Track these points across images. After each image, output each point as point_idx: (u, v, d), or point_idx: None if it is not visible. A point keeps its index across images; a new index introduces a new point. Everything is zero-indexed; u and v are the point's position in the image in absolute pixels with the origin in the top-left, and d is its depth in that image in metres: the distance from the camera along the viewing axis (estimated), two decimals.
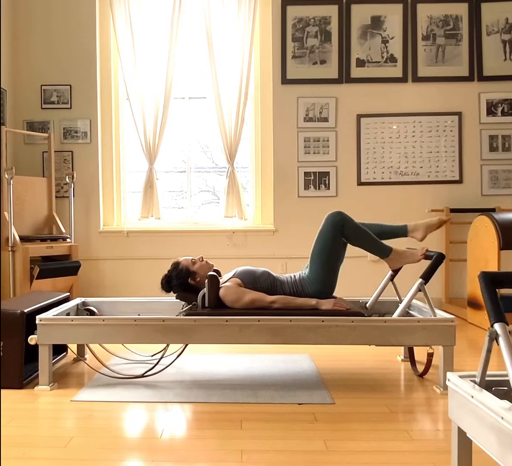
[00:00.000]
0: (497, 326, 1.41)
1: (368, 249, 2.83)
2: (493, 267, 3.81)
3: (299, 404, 2.39)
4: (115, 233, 4.94)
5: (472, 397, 1.41)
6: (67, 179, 4.79)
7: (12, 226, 4.16)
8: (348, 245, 2.86)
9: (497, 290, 1.47)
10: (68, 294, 3.23)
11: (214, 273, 2.77)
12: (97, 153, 4.93)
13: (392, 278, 3.03)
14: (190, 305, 2.76)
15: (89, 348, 2.90)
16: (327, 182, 4.88)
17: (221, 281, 2.81)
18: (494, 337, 1.41)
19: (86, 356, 3.16)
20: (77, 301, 3.10)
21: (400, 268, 2.92)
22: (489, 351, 1.42)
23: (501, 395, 1.48)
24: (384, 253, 2.81)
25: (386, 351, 3.29)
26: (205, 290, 2.73)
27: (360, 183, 4.89)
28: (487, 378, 1.49)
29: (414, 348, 2.98)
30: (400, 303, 2.81)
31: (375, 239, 2.81)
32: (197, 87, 5.08)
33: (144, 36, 4.83)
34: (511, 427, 1.23)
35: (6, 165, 4.38)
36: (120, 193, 5.08)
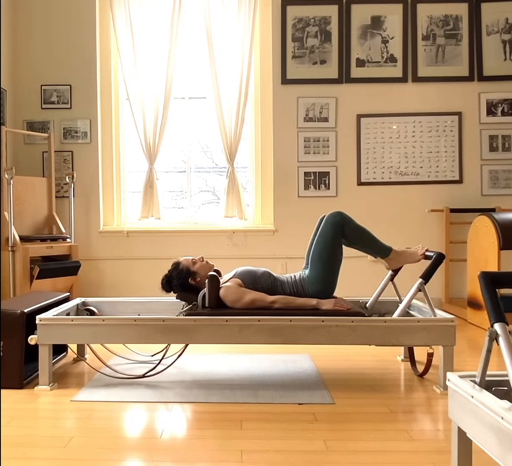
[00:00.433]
0: (497, 326, 1.41)
1: (368, 249, 2.83)
2: (493, 267, 3.81)
3: (299, 404, 2.39)
4: (115, 232, 4.94)
5: (472, 397, 1.41)
6: (67, 179, 4.79)
7: (12, 226, 4.16)
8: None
9: (497, 290, 1.47)
10: (68, 294, 3.23)
11: (215, 273, 2.77)
12: (97, 153, 4.93)
13: (392, 278, 3.03)
14: (191, 305, 2.76)
15: (90, 347, 2.90)
16: (327, 182, 4.88)
17: (221, 281, 2.81)
18: (494, 337, 1.41)
19: (86, 356, 3.16)
20: (77, 301, 3.10)
21: (400, 268, 2.92)
22: (489, 351, 1.42)
23: (501, 395, 1.48)
24: (384, 252, 2.81)
25: (386, 351, 3.29)
26: (205, 290, 2.73)
27: (360, 183, 4.89)
28: (487, 378, 1.49)
29: (414, 348, 2.98)
30: (400, 303, 2.81)
31: (375, 239, 2.81)
32: (197, 87, 5.08)
33: (144, 36, 4.83)
34: (511, 427, 1.23)
35: (6, 165, 4.38)
36: (120, 193, 5.08)
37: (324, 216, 2.86)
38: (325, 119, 4.88)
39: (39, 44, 4.90)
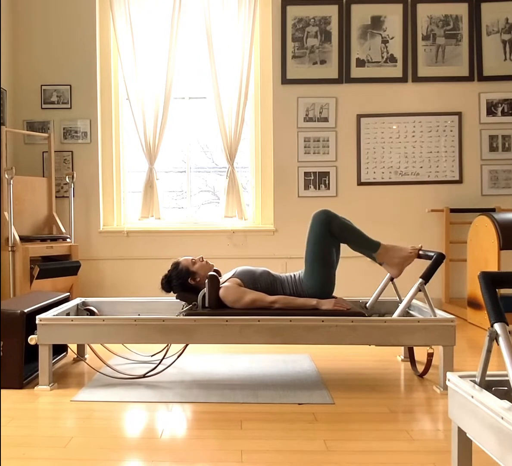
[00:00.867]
0: (497, 326, 1.41)
1: (355, 245, 2.81)
2: (493, 267, 3.81)
3: (299, 404, 2.39)
4: (115, 232, 4.94)
5: (472, 397, 1.41)
6: (67, 179, 4.79)
7: (12, 226, 4.16)
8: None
9: (497, 290, 1.47)
10: (68, 294, 3.23)
11: (214, 273, 2.77)
12: (97, 153, 4.93)
13: (392, 278, 3.03)
14: (190, 305, 2.76)
15: (90, 347, 2.90)
16: (327, 182, 4.88)
17: (221, 280, 2.81)
18: (494, 337, 1.41)
19: (86, 356, 3.16)
20: (77, 301, 3.10)
21: (400, 272, 2.88)
22: (489, 351, 1.42)
23: (501, 395, 1.48)
24: (373, 247, 2.79)
25: (386, 351, 3.29)
26: (205, 290, 2.73)
27: (360, 183, 4.89)
28: (487, 378, 1.49)
29: (414, 348, 2.98)
30: (400, 303, 2.81)
31: (362, 234, 2.80)
32: (197, 87, 5.08)
33: (144, 36, 4.83)
34: (511, 427, 1.23)
35: (6, 165, 4.38)
36: (120, 193, 5.08)
37: None
38: (325, 119, 4.88)
39: (39, 44, 4.90)
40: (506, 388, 1.50)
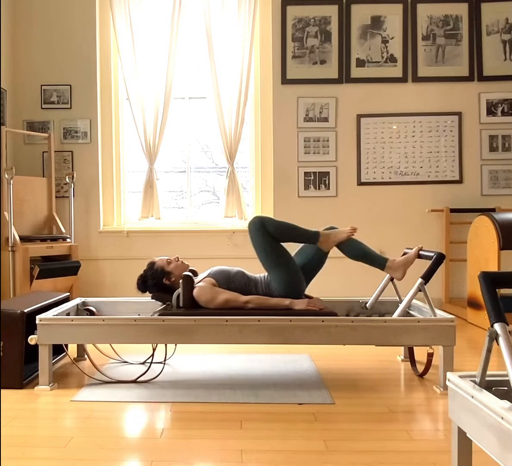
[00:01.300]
0: (497, 326, 1.41)
1: (298, 240, 2.84)
2: (493, 267, 3.81)
3: (299, 404, 2.39)
4: (115, 232, 4.94)
5: (472, 397, 1.41)
6: (67, 179, 4.79)
7: (12, 226, 4.16)
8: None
9: (497, 290, 1.47)
10: (68, 294, 3.23)
11: (189, 273, 2.77)
12: (97, 153, 4.93)
13: (392, 278, 3.03)
14: (164, 305, 2.77)
15: (86, 352, 2.91)
16: (327, 182, 4.88)
17: (196, 280, 2.82)
18: (494, 337, 1.41)
19: (85, 356, 3.16)
20: (77, 301, 3.10)
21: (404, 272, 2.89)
22: (489, 351, 1.42)
23: (501, 395, 1.48)
24: (314, 238, 2.83)
25: (386, 351, 3.29)
26: (180, 290, 2.74)
27: (360, 183, 4.89)
28: (487, 378, 1.49)
29: (414, 348, 2.98)
30: (400, 303, 2.81)
31: (300, 229, 2.82)
32: (197, 87, 5.08)
33: (144, 36, 4.83)
34: (511, 427, 1.22)
35: (6, 165, 4.38)
36: (120, 193, 5.08)
37: None
38: (325, 119, 4.88)
39: (39, 44, 4.90)
40: (506, 388, 1.50)
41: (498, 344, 1.40)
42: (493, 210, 4.72)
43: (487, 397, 1.36)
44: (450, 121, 4.87)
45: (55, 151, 4.85)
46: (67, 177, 4.79)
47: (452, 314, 4.25)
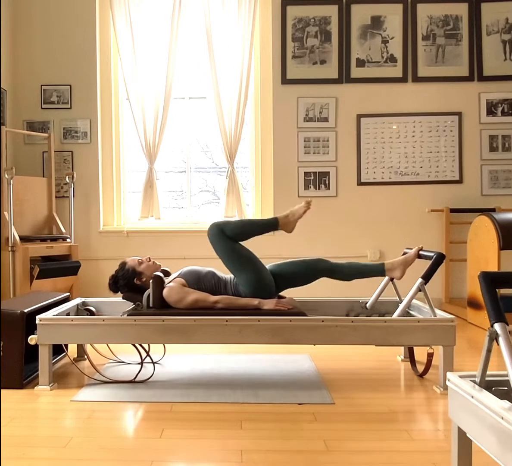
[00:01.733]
0: (497, 326, 1.41)
1: (260, 232, 2.82)
2: (493, 267, 3.81)
3: (299, 404, 2.39)
4: (115, 232, 4.94)
5: (472, 397, 1.41)
6: (67, 179, 4.79)
7: (12, 226, 4.16)
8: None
9: (497, 290, 1.47)
10: (68, 294, 3.23)
11: (159, 273, 2.78)
12: (97, 153, 4.93)
13: (392, 278, 3.03)
14: (134, 305, 2.77)
15: (86, 352, 2.91)
16: (327, 182, 4.88)
17: (166, 281, 2.82)
18: (494, 337, 1.41)
19: (85, 357, 3.16)
20: (77, 301, 3.10)
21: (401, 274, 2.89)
22: (489, 351, 1.42)
23: (501, 395, 1.48)
24: (273, 226, 2.83)
25: (386, 351, 3.29)
26: (150, 290, 2.74)
27: (360, 183, 4.89)
28: (487, 378, 1.49)
29: (414, 348, 2.98)
30: (400, 303, 2.81)
31: (257, 221, 2.83)
32: (197, 87, 5.08)
33: (144, 36, 4.83)
34: (511, 427, 1.22)
35: (6, 165, 4.38)
36: (120, 193, 5.08)
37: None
38: (325, 119, 4.88)
39: (39, 44, 4.90)
40: (506, 388, 1.50)
41: (498, 344, 1.40)
42: (493, 210, 4.73)
43: (487, 397, 1.36)
44: (450, 121, 4.87)
45: (55, 151, 4.85)
46: (67, 177, 4.79)
47: (452, 314, 4.25)
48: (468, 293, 4.19)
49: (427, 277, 2.70)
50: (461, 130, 4.86)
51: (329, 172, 4.88)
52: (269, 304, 2.72)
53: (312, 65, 4.86)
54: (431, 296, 2.84)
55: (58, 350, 3.01)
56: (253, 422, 2.19)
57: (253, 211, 5.02)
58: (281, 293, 2.94)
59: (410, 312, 2.96)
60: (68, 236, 4.61)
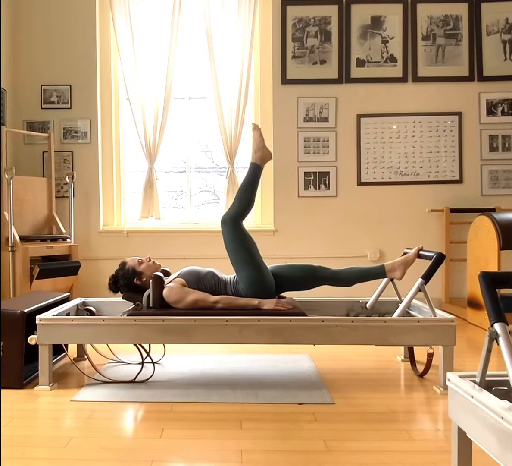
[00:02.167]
0: (497, 326, 1.41)
1: (254, 191, 2.87)
2: (493, 267, 3.81)
3: (299, 404, 2.39)
4: (115, 232, 4.94)
5: (472, 397, 1.41)
6: (67, 179, 4.79)
7: (12, 226, 4.16)
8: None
9: (497, 290, 1.47)
10: (68, 294, 3.23)
11: (159, 273, 2.78)
12: (97, 153, 4.93)
13: (392, 278, 3.02)
14: (134, 305, 2.77)
15: (85, 352, 2.91)
16: (327, 182, 4.88)
17: (166, 281, 2.82)
18: (494, 337, 1.41)
19: (85, 357, 3.16)
20: (77, 301, 3.10)
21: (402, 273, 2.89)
22: (489, 351, 1.42)
23: (501, 395, 1.48)
24: (257, 169, 2.89)
25: (386, 351, 3.29)
26: (150, 290, 2.74)
27: (360, 183, 4.89)
28: (487, 378, 1.49)
29: (414, 348, 2.99)
30: (400, 303, 2.81)
31: (243, 184, 2.87)
32: (197, 87, 5.08)
33: (144, 36, 4.83)
34: (511, 427, 1.23)
35: (6, 165, 4.38)
36: (120, 193, 5.08)
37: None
38: (325, 119, 4.88)
39: (39, 44, 4.90)
40: (506, 388, 1.50)
41: (498, 344, 1.40)
42: (493, 210, 4.72)
43: (487, 397, 1.36)
44: (450, 121, 4.87)
45: (55, 151, 4.85)
46: (67, 177, 4.79)
47: (452, 314, 4.25)
48: (468, 293, 4.19)
49: (427, 277, 2.70)
50: (461, 130, 4.86)
51: (329, 172, 4.88)
52: (269, 304, 2.72)
53: (312, 65, 4.86)
54: (431, 296, 2.84)
55: (58, 350, 3.01)
56: (253, 422, 2.19)
57: (253, 211, 5.02)
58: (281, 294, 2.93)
59: (410, 312, 2.96)
60: (68, 236, 4.61)
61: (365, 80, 4.86)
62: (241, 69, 4.79)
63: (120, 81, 4.98)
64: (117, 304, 3.13)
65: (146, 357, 2.94)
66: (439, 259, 2.71)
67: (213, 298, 2.72)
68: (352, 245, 4.90)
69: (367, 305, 3.08)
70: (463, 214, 4.80)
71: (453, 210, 4.77)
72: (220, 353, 3.26)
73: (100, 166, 4.95)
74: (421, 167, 4.88)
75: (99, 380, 2.71)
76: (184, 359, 3.11)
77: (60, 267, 4.34)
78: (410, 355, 2.94)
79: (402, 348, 3.15)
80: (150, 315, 2.63)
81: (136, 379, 2.72)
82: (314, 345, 2.56)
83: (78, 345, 3.15)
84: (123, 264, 2.90)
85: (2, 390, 2.57)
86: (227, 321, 2.56)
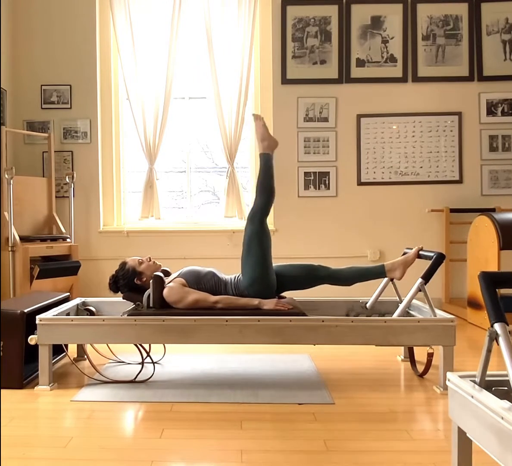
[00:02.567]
0: (497, 326, 1.41)
1: (272, 178, 2.88)
2: (493, 267, 3.81)
3: (299, 404, 2.39)
4: (115, 233, 4.94)
5: (472, 397, 1.41)
6: (67, 179, 4.79)
7: (12, 226, 4.16)
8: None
9: (497, 290, 1.47)
10: (68, 294, 3.23)
11: (160, 273, 2.78)
12: (97, 153, 4.93)
13: (392, 278, 3.02)
14: (134, 305, 2.77)
15: (85, 352, 2.91)
16: (327, 182, 4.88)
17: (167, 281, 2.82)
18: (494, 337, 1.41)
19: (85, 357, 3.16)
20: (77, 301, 3.10)
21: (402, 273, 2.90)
22: (489, 351, 1.42)
23: (501, 395, 1.48)
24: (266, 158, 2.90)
25: (386, 351, 3.29)
26: (150, 290, 2.74)
27: (360, 183, 4.89)
28: (487, 378, 1.49)
29: (414, 348, 2.98)
30: (400, 303, 2.81)
31: (260, 176, 2.87)
32: (197, 87, 5.08)
33: (144, 36, 4.83)
34: (511, 427, 1.22)
35: (6, 165, 4.37)
36: (120, 193, 5.08)
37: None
38: (325, 119, 4.88)
39: (39, 44, 4.90)
40: (506, 388, 1.50)
41: (498, 344, 1.40)
42: (493, 210, 4.72)
43: (487, 397, 1.36)
44: (450, 121, 4.87)
45: (55, 151, 4.85)
46: (67, 177, 4.79)
47: (452, 314, 4.25)
48: (468, 293, 4.19)
49: (427, 277, 2.70)
50: (461, 130, 4.86)
51: (329, 172, 4.88)
52: (269, 304, 2.72)
53: (312, 65, 4.86)
54: (431, 296, 2.84)
55: (58, 350, 3.01)
56: (253, 422, 2.19)
57: None
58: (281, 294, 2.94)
59: (410, 312, 2.96)
60: (68, 236, 4.60)
61: (365, 80, 4.86)
62: (241, 69, 4.79)
63: (120, 81, 4.98)
64: (117, 304, 3.13)
65: (146, 357, 2.94)
66: (439, 259, 2.71)
67: (214, 298, 2.72)
68: (352, 245, 4.90)
69: (367, 305, 3.08)
70: (463, 214, 4.80)
71: (453, 210, 4.77)
72: (220, 353, 3.26)
73: (100, 166, 4.95)
74: (421, 167, 4.88)
75: (99, 380, 2.71)
76: (184, 359, 3.11)
77: (60, 267, 4.34)
78: (410, 355, 2.94)
79: (402, 348, 3.15)
80: (150, 315, 2.63)
81: (136, 379, 2.72)
82: (315, 345, 2.56)
83: (78, 345, 3.15)
84: (123, 264, 2.90)
85: (2, 390, 2.57)
86: (227, 321, 2.56)
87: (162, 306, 2.73)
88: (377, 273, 2.87)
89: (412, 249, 2.94)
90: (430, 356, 2.73)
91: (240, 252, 5.05)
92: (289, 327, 2.55)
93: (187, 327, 2.57)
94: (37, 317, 2.61)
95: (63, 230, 4.66)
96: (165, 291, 2.73)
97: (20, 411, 2.32)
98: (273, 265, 2.90)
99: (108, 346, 3.11)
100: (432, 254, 2.76)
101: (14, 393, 2.56)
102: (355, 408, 2.34)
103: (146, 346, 3.04)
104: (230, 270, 2.91)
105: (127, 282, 2.86)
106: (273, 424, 2.17)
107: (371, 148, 4.88)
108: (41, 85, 4.90)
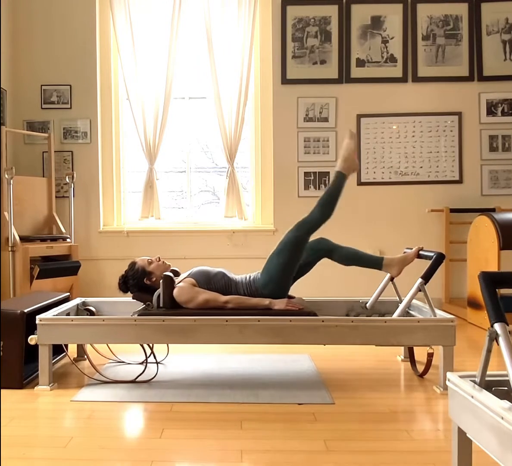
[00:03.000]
0: (497, 326, 1.41)
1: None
2: (493, 267, 3.81)
3: (299, 404, 2.39)
4: (115, 233, 4.94)
5: (472, 397, 1.41)
6: (67, 179, 4.79)
7: (12, 226, 4.16)
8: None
9: (497, 290, 1.47)
10: (68, 294, 3.23)
11: (169, 273, 2.77)
12: (97, 153, 4.93)
13: (392, 278, 3.03)
14: (145, 305, 2.77)
15: (85, 352, 2.91)
16: (327, 182, 4.88)
17: (176, 281, 2.82)
18: (494, 337, 1.41)
19: (85, 357, 3.16)
20: (77, 301, 3.10)
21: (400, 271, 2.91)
22: (489, 351, 1.42)
23: (501, 395, 1.48)
24: (341, 186, 2.88)
25: (386, 351, 3.29)
26: (160, 290, 2.74)
27: (360, 183, 4.89)
28: (487, 378, 1.49)
29: (414, 348, 2.98)
30: (400, 303, 2.81)
31: (329, 193, 2.88)
32: (197, 87, 5.08)
33: (144, 36, 4.83)
34: (511, 427, 1.22)
35: (6, 165, 4.37)
36: (120, 193, 5.08)
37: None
38: (325, 119, 4.88)
39: (39, 44, 4.90)
40: (506, 388, 1.50)
41: (498, 344, 1.40)
42: (493, 210, 4.72)
43: (487, 397, 1.36)
44: (450, 121, 4.87)
45: (55, 151, 4.85)
46: (67, 177, 4.79)
47: (452, 314, 4.25)
48: (468, 293, 4.19)
49: (427, 276, 2.70)
50: (461, 130, 4.86)
51: (329, 172, 4.88)
52: (280, 304, 2.71)
53: (312, 65, 4.86)
54: (431, 296, 2.84)
55: (58, 350, 3.01)
56: (253, 422, 2.19)
57: (253, 211, 5.02)
58: (289, 293, 2.93)
59: (410, 312, 2.96)
60: (68, 236, 4.61)
61: (365, 80, 4.86)
62: (241, 69, 4.79)
63: (120, 81, 4.98)
64: (117, 304, 3.14)
65: (149, 356, 2.94)
66: (439, 258, 2.71)
67: (224, 298, 2.72)
68: (352, 245, 4.84)
69: (367, 305, 3.08)
70: (463, 214, 4.80)
71: (453, 210, 4.77)
72: (220, 353, 3.26)
73: (100, 166, 4.95)
74: (421, 167, 4.88)
75: (99, 380, 2.71)
76: (184, 359, 3.11)
77: (60, 267, 4.34)
78: (410, 355, 2.94)
79: (402, 348, 3.15)
80: (160, 315, 2.62)
81: (137, 379, 2.72)
82: (324, 345, 2.57)
83: (78, 345, 3.15)
84: (132, 264, 2.89)
85: (2, 390, 2.57)
86: (227, 321, 2.56)
87: (173, 306, 2.72)
88: (374, 262, 2.88)
89: (412, 248, 2.94)
90: (430, 356, 2.73)
91: (240, 252, 5.06)
92: (289, 327, 2.55)
93: (187, 327, 2.57)
94: (37, 317, 2.61)
95: (63, 230, 4.66)
96: (175, 291, 2.72)
97: (20, 411, 2.32)
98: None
99: (108, 346, 3.11)
100: (432, 254, 2.76)
101: (14, 393, 2.56)
102: (355, 408, 2.34)
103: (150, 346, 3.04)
104: (236, 270, 2.91)
105: (136, 281, 2.85)
106: (273, 424, 2.17)
107: (371, 148, 4.88)
108: (41, 85, 4.90)
